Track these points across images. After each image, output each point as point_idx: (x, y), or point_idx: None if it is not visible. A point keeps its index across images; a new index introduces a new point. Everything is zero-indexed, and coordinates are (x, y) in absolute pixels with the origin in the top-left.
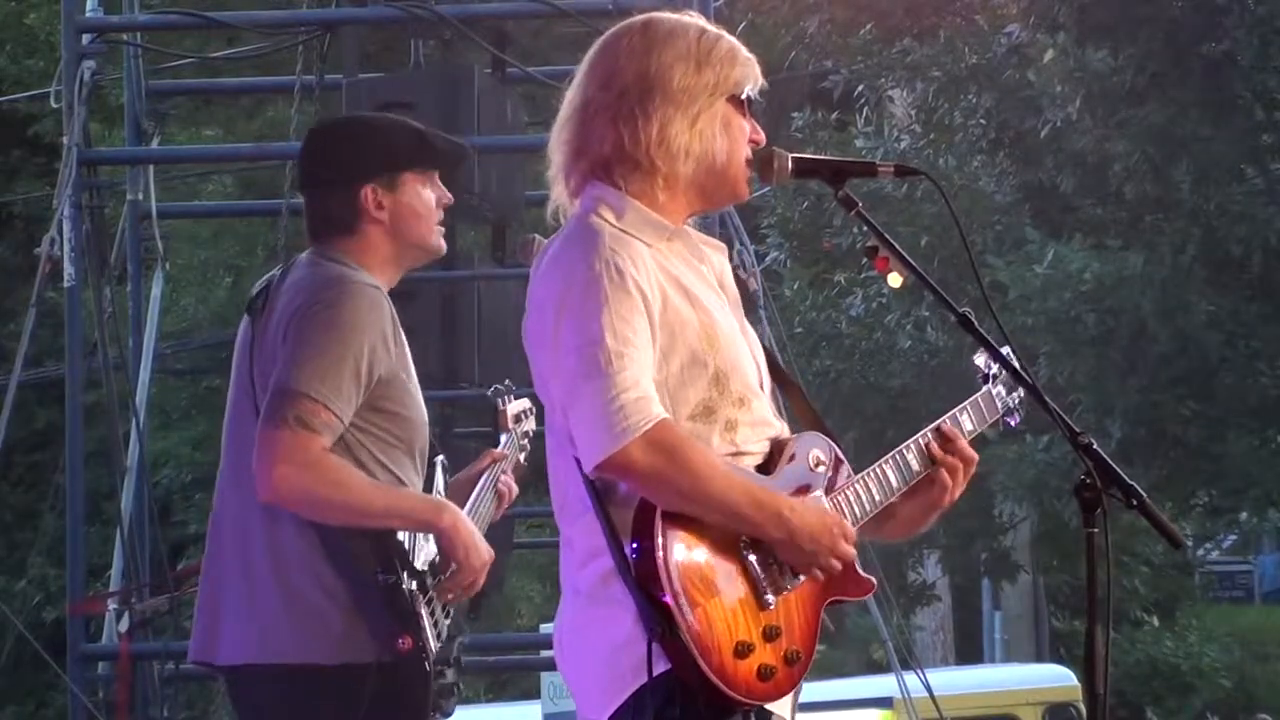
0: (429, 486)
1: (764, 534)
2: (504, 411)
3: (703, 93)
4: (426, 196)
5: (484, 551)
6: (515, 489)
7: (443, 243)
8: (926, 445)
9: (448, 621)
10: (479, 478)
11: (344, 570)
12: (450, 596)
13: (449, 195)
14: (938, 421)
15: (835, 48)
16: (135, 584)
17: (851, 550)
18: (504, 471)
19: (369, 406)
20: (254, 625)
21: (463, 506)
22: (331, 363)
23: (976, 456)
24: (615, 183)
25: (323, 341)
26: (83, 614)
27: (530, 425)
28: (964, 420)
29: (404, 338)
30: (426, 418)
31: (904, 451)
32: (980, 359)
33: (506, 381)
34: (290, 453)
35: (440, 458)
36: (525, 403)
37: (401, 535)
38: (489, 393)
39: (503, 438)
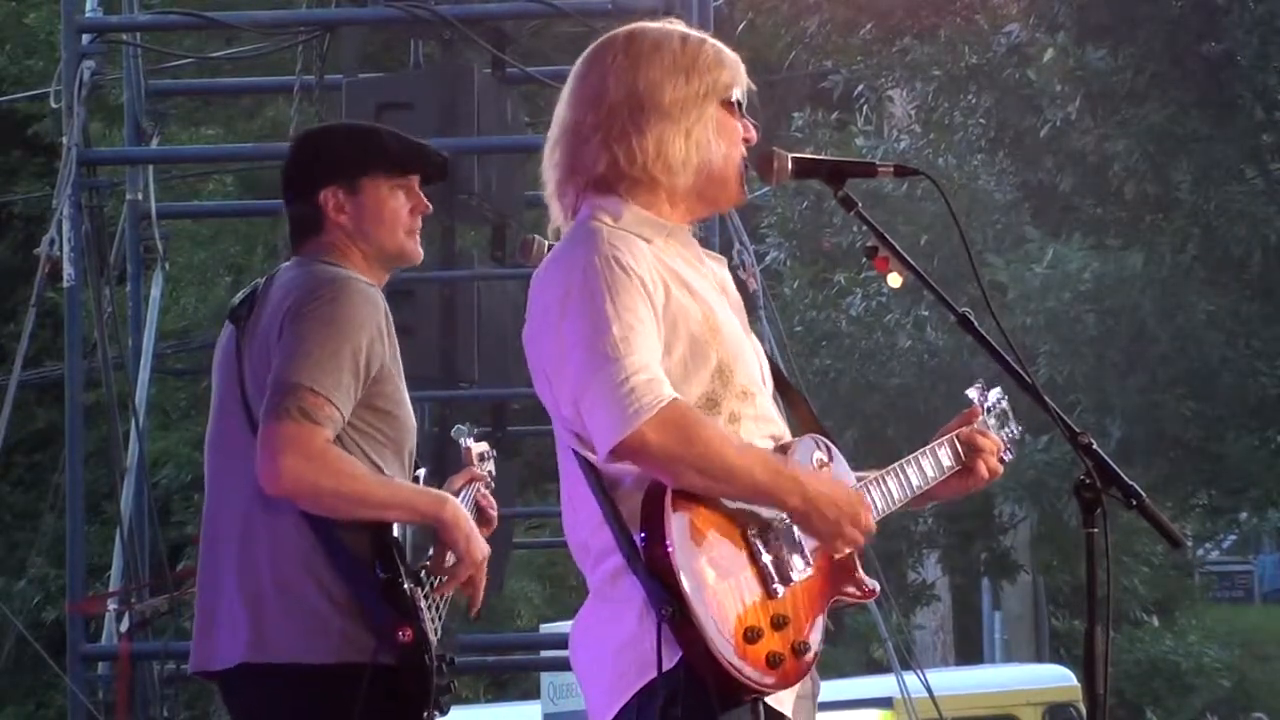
0: None
1: (784, 503)
2: (469, 449)
3: (694, 102)
4: (391, 201)
5: (484, 545)
6: (495, 509)
7: (416, 249)
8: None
9: (440, 622)
10: (457, 495)
11: (342, 567)
12: (448, 591)
13: (426, 203)
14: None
15: (835, 48)
16: (135, 584)
17: (872, 522)
18: (480, 492)
19: (363, 404)
20: (249, 626)
21: None
22: (331, 356)
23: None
24: (615, 195)
25: (321, 336)
26: (83, 614)
27: (491, 467)
28: (942, 457)
29: (396, 339)
30: (415, 422)
31: (906, 466)
32: (974, 392)
33: (468, 424)
34: (295, 444)
35: (422, 471)
36: (485, 445)
37: (397, 532)
38: (452, 432)
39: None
